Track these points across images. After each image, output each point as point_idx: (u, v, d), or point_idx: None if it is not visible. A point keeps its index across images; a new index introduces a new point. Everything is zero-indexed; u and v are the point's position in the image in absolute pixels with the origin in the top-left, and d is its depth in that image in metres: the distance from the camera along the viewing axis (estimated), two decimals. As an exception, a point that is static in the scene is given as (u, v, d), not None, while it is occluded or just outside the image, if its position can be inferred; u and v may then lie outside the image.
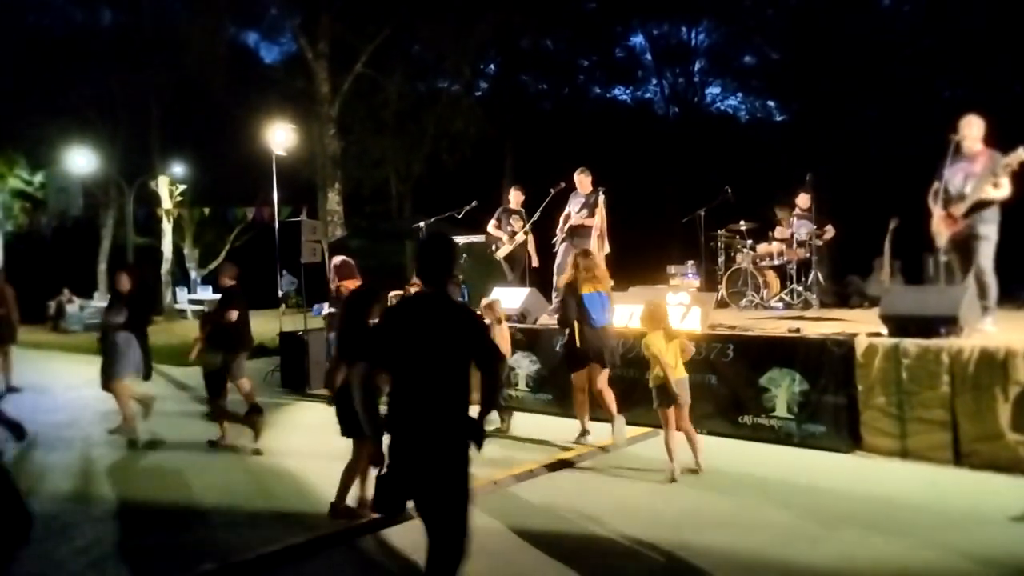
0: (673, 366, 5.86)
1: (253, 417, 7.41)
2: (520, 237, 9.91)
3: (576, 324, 6.70)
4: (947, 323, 6.18)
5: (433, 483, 3.17)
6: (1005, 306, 10.12)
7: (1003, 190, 6.60)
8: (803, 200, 10.45)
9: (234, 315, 7.48)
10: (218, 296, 9.31)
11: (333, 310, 8.57)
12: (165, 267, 23.74)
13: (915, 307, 6.49)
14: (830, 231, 10.25)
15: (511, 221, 10.07)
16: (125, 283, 7.67)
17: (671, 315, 6.52)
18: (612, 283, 7.43)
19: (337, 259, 8.11)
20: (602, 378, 6.76)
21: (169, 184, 23.97)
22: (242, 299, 7.72)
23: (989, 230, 6.70)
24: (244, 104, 21.91)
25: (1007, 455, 5.72)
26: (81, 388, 10.37)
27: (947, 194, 6.84)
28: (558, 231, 9.59)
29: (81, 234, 26.82)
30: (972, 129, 6.82)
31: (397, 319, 3.45)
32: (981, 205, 6.65)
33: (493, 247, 10.17)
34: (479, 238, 10.51)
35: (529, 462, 6.34)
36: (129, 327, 7.50)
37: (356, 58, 20.67)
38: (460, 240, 10.67)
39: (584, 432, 6.98)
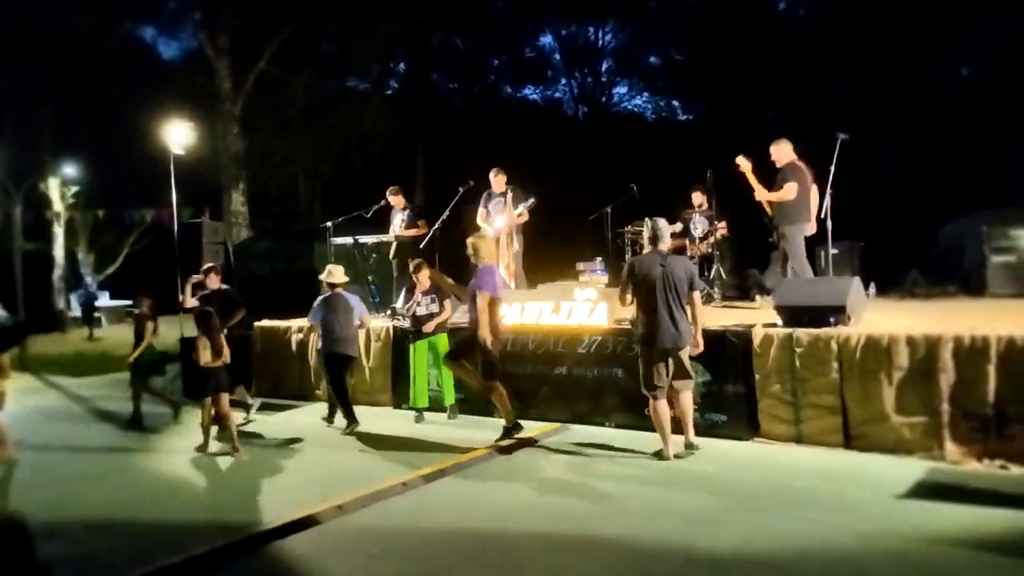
0: None
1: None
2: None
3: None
4: (835, 313, 6.51)
5: None
6: (890, 294, 10.73)
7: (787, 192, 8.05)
8: (696, 197, 10.57)
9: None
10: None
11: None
12: (57, 273, 22.56)
13: (806, 298, 6.81)
14: (723, 228, 10.35)
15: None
16: None
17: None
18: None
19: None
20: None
21: (60, 186, 22.77)
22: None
23: (792, 231, 8.07)
24: (141, 102, 20.99)
25: (892, 436, 6.06)
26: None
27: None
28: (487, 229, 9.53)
29: (-38, 240, 25.22)
30: (779, 152, 8.31)
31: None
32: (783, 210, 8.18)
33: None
34: (388, 237, 10.41)
35: (438, 461, 6.35)
36: None
37: (260, 54, 20.15)
38: (368, 240, 10.56)
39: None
